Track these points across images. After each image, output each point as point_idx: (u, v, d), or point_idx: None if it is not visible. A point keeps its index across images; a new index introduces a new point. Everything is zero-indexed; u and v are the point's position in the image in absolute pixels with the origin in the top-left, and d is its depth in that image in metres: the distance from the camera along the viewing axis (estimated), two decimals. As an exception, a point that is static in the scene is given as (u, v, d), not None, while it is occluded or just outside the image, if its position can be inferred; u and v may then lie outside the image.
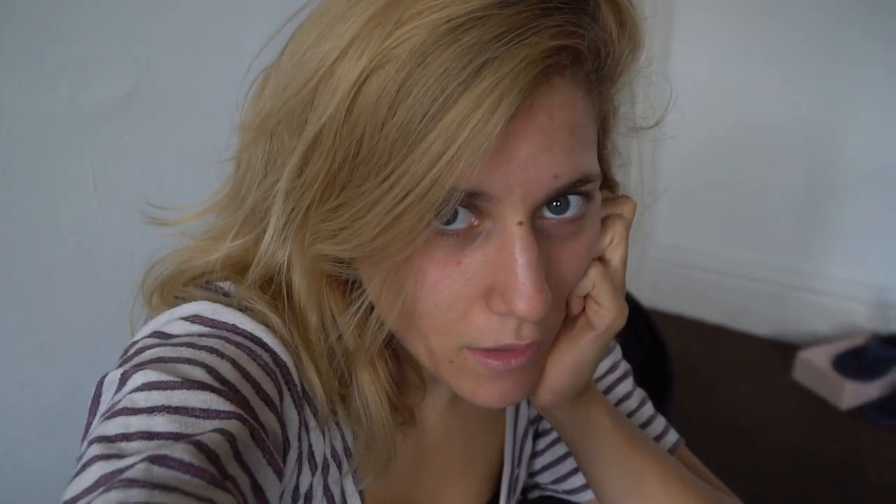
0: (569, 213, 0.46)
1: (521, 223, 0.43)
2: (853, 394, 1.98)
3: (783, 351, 2.20)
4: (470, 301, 0.45)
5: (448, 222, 0.43)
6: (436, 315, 0.45)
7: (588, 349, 0.52)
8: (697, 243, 2.38)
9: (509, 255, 0.43)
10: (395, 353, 0.54)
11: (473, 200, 0.42)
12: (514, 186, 0.42)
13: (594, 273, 0.50)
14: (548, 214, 0.45)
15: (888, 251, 2.11)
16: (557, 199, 0.45)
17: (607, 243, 0.52)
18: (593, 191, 0.46)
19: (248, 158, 0.50)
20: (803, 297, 2.24)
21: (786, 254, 2.25)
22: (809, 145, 2.14)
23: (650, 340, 1.48)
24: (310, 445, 0.51)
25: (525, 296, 0.42)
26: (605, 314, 0.51)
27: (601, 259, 0.52)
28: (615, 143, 0.54)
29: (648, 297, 2.37)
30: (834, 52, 2.03)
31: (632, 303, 1.54)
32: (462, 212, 0.43)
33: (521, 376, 0.49)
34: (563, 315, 0.51)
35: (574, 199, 0.45)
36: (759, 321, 2.30)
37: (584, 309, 0.52)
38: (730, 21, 2.16)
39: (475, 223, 0.44)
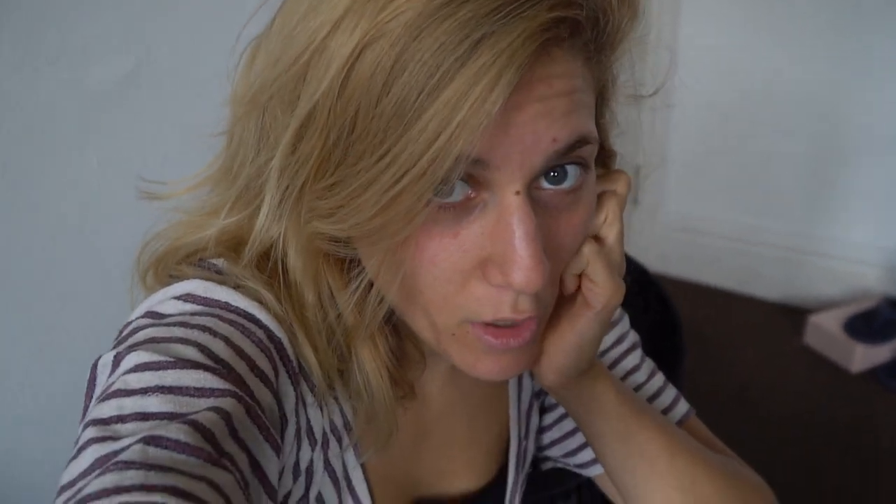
0: (566, 184, 0.45)
1: (518, 193, 0.42)
2: (864, 357, 1.97)
3: (794, 315, 2.19)
4: (467, 273, 0.44)
5: (445, 195, 0.42)
6: (435, 288, 0.45)
7: (588, 328, 0.51)
8: (707, 209, 2.36)
9: (507, 226, 0.42)
10: (395, 328, 0.53)
11: (471, 170, 0.41)
12: (512, 154, 0.41)
13: (588, 251, 0.49)
14: (545, 185, 0.44)
15: (899, 213, 2.09)
16: (555, 170, 0.44)
17: (602, 221, 0.51)
18: (590, 157, 0.45)
19: (241, 133, 0.49)
20: (813, 262, 2.22)
21: (795, 218, 2.24)
22: (817, 112, 2.11)
23: (661, 309, 1.48)
24: (308, 420, 0.51)
25: (523, 268, 0.41)
26: (601, 292, 0.50)
27: (596, 237, 0.51)
28: (613, 111, 0.52)
29: (657, 263, 2.36)
30: (841, 20, 2.01)
31: (640, 272, 1.53)
32: (459, 184, 0.42)
33: (520, 353, 0.48)
34: (558, 290, 0.50)
35: (571, 169, 0.44)
36: (770, 286, 2.29)
37: (580, 287, 0.51)
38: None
39: (472, 195, 0.43)
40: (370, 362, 0.50)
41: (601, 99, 0.49)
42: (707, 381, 1.91)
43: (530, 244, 0.41)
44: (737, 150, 2.25)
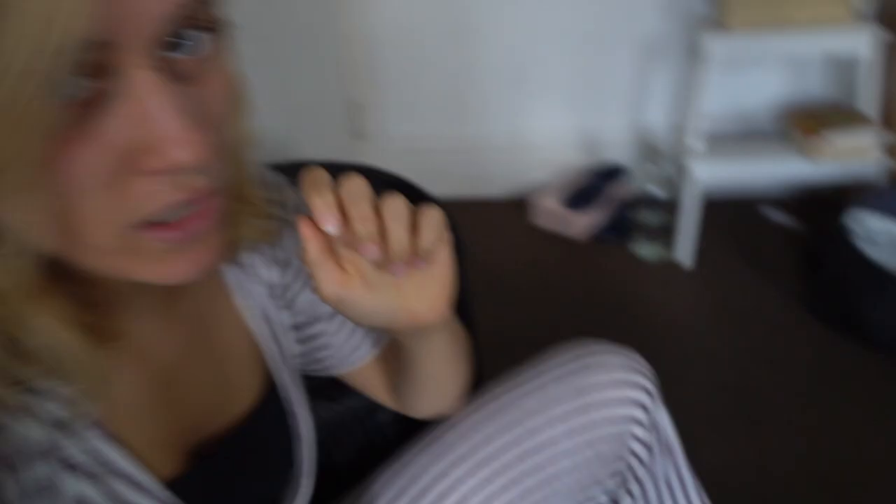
0: (197, 52, 0.41)
1: (147, 68, 0.38)
2: (584, 223, 2.29)
3: (522, 204, 2.45)
4: (118, 174, 0.39)
5: (63, 96, 0.36)
6: (89, 204, 0.39)
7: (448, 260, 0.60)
8: (427, 128, 2.52)
9: (146, 106, 0.37)
10: (70, 276, 0.46)
11: (87, 57, 0.35)
12: (128, 28, 0.36)
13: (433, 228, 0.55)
14: (176, 55, 0.40)
15: (581, 97, 2.41)
16: (181, 38, 0.40)
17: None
18: (216, 21, 0.43)
19: None
20: (527, 154, 2.49)
21: (504, 120, 2.47)
22: (509, 22, 2.34)
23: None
24: (45, 473, 0.46)
25: (179, 141, 0.37)
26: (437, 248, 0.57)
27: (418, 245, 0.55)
28: None
29: (395, 190, 2.48)
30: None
31: (409, 187, 1.57)
32: (76, 78, 0.36)
33: (210, 240, 0.45)
34: (231, 169, 0.47)
35: (199, 35, 0.41)
36: (497, 184, 2.53)
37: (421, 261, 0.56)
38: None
39: (94, 86, 0.37)
40: (46, 317, 0.43)
41: None
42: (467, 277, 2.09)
43: (177, 117, 0.38)
44: (442, 68, 2.42)
